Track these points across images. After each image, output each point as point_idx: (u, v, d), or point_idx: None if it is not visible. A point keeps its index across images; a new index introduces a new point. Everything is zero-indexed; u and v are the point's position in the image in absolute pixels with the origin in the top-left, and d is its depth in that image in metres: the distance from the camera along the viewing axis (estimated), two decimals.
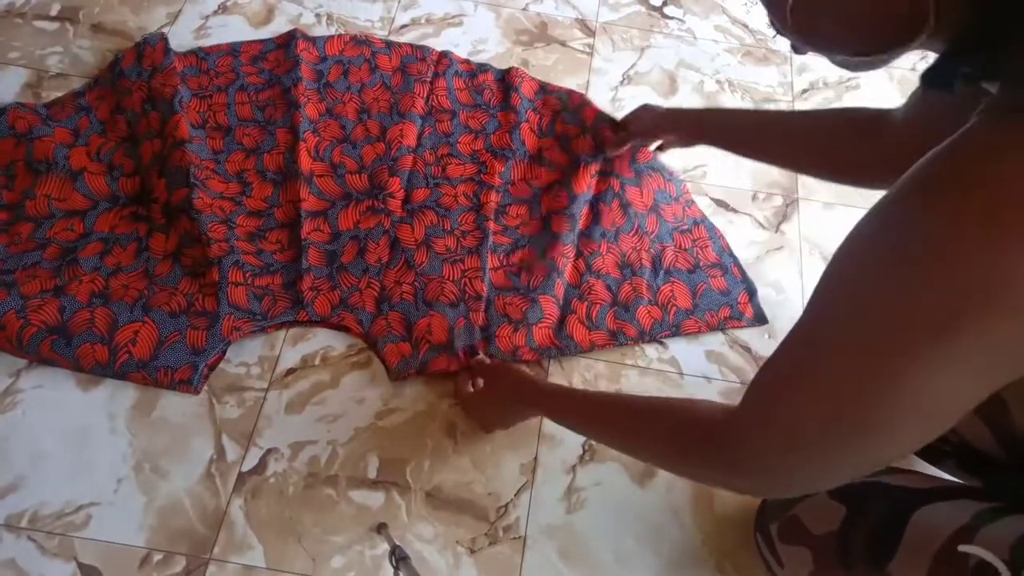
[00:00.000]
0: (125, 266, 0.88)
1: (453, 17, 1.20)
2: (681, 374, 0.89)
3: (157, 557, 0.74)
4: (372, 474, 0.80)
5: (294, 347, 0.87)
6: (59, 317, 0.83)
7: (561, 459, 0.83)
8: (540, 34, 1.19)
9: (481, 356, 0.85)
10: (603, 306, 0.91)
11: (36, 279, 0.85)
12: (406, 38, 1.16)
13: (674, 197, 1.01)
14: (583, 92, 1.11)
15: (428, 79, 1.09)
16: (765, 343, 0.92)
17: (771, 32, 1.21)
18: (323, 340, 0.88)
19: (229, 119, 1.02)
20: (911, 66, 1.21)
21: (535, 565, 0.77)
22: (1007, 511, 0.51)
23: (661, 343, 0.91)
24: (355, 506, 0.78)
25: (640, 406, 0.63)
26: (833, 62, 0.46)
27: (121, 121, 1.00)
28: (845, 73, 1.20)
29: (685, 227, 0.99)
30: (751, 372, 0.89)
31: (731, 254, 0.98)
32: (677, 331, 0.91)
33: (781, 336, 0.56)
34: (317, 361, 0.87)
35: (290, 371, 0.86)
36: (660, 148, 0.99)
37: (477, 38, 1.17)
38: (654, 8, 1.25)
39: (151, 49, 1.05)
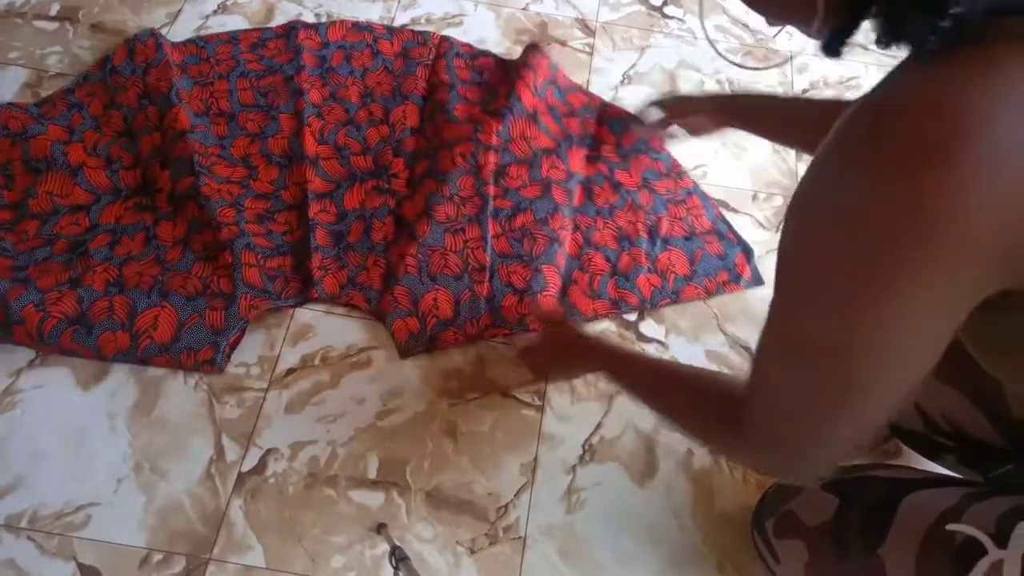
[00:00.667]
0: (136, 255, 0.89)
1: (453, 17, 1.20)
2: None
3: (157, 557, 0.74)
4: (372, 474, 0.80)
5: (294, 347, 0.87)
6: (78, 307, 0.83)
7: (561, 459, 0.83)
8: (540, 34, 1.19)
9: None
10: (604, 276, 0.93)
11: (50, 273, 0.86)
12: None
13: (664, 173, 1.03)
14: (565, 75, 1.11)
15: (429, 62, 1.10)
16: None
17: (771, 32, 1.21)
18: (323, 340, 0.88)
19: (232, 105, 1.03)
20: None
21: (535, 565, 0.77)
22: (994, 493, 0.52)
23: (661, 343, 0.91)
24: (355, 506, 0.78)
25: (678, 382, 0.63)
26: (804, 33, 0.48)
27: (116, 116, 1.01)
28: (846, 73, 1.20)
29: (679, 198, 1.01)
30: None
31: (724, 220, 1.00)
32: (677, 298, 0.93)
33: None
34: (317, 361, 0.87)
35: (290, 371, 0.86)
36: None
37: (477, 38, 1.17)
38: (654, 8, 1.25)
39: (142, 45, 1.06)
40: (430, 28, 1.17)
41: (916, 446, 0.75)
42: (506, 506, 0.79)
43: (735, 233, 0.99)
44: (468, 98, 1.06)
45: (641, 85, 1.15)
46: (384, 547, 0.76)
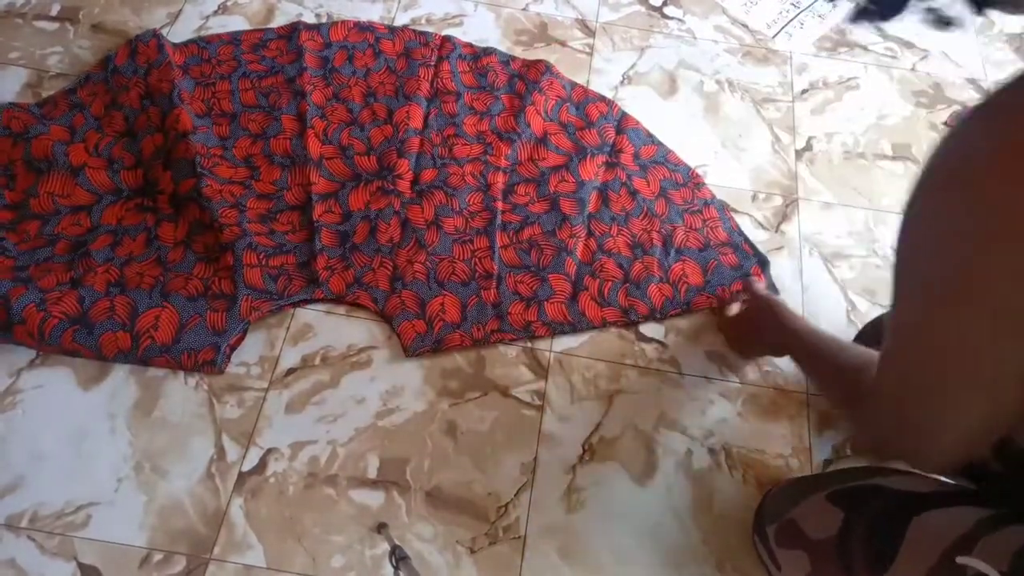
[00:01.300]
0: (137, 255, 0.90)
1: (453, 17, 1.20)
2: (681, 374, 0.89)
3: (157, 557, 0.74)
4: (372, 474, 0.80)
5: (294, 347, 0.87)
6: (79, 307, 0.84)
7: (561, 459, 0.83)
8: (540, 34, 1.19)
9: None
10: (615, 283, 0.93)
11: (51, 273, 0.86)
12: None
13: (681, 183, 1.03)
14: (584, 86, 1.11)
15: (432, 63, 1.10)
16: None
17: (770, 32, 1.21)
18: (323, 340, 0.88)
19: (233, 106, 1.03)
20: (911, 66, 1.21)
21: (535, 565, 0.77)
22: (1007, 519, 0.51)
23: (661, 343, 0.91)
24: (355, 506, 0.78)
25: (844, 367, 0.63)
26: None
27: (118, 116, 1.01)
28: (845, 73, 1.20)
29: (695, 208, 1.01)
30: (751, 372, 0.89)
31: (741, 233, 0.99)
32: (688, 308, 0.93)
33: None
34: (317, 361, 0.87)
35: (290, 371, 0.86)
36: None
37: (477, 38, 1.17)
38: (654, 8, 1.25)
39: (144, 46, 1.06)
40: (430, 28, 1.17)
41: None
42: (506, 506, 0.79)
43: (751, 245, 0.98)
44: (475, 108, 1.06)
45: (641, 85, 1.15)
46: (384, 547, 0.76)
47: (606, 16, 1.23)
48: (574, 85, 1.12)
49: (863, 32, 1.26)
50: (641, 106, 1.12)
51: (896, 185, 1.07)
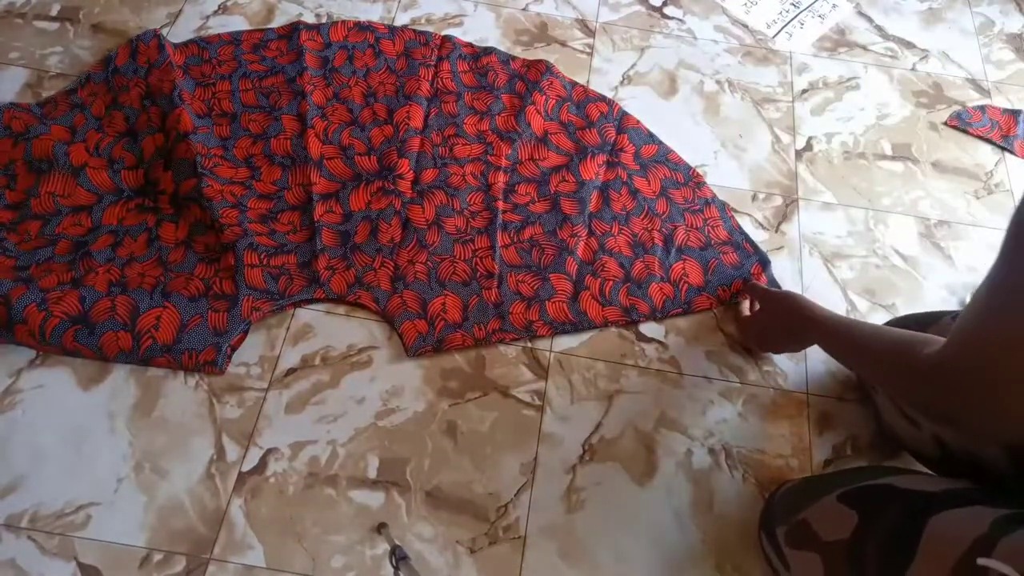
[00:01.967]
0: (138, 256, 0.90)
1: (453, 17, 1.20)
2: (681, 374, 0.89)
3: (157, 557, 0.74)
4: (372, 474, 0.80)
5: (294, 347, 0.87)
6: (80, 307, 0.83)
7: (561, 459, 0.83)
8: (540, 34, 1.19)
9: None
10: (616, 282, 0.93)
11: (52, 273, 0.86)
12: None
13: (682, 183, 1.03)
14: (584, 86, 1.11)
15: (432, 63, 1.11)
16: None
17: (770, 32, 1.21)
18: (323, 340, 0.88)
19: (234, 106, 1.03)
20: (911, 66, 1.21)
21: (535, 565, 0.77)
22: (1021, 519, 0.51)
23: (661, 343, 0.91)
24: (355, 506, 0.78)
25: (878, 348, 0.65)
26: None
27: (118, 117, 1.01)
28: (845, 73, 1.20)
29: (696, 207, 1.01)
30: (751, 372, 0.89)
31: (742, 232, 0.99)
32: (688, 308, 0.93)
33: None
34: (317, 361, 0.87)
35: (290, 371, 0.86)
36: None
37: (477, 38, 1.17)
38: (654, 8, 1.25)
39: (145, 46, 1.06)
40: (430, 28, 1.17)
41: (931, 467, 0.74)
42: (506, 506, 0.79)
43: (752, 244, 0.98)
44: (476, 108, 1.06)
45: (641, 85, 1.15)
46: (384, 547, 0.76)
47: (606, 16, 1.23)
48: (574, 85, 1.12)
49: (863, 32, 1.26)
50: (641, 106, 1.12)
51: (896, 185, 1.07)
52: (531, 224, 0.97)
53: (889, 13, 1.29)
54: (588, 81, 1.14)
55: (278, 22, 1.16)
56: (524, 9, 1.22)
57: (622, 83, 1.15)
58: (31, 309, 0.82)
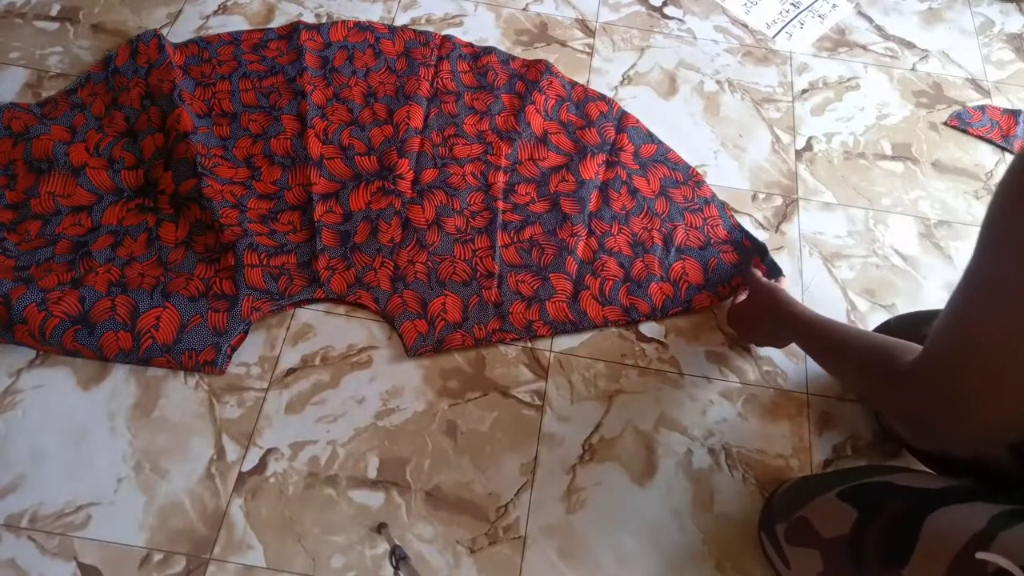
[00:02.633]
0: (138, 256, 0.90)
1: (453, 17, 1.20)
2: (681, 374, 0.89)
3: (157, 557, 0.74)
4: (372, 474, 0.80)
5: (294, 347, 0.87)
6: (80, 307, 0.83)
7: (561, 459, 0.83)
8: (540, 34, 1.19)
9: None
10: (616, 282, 0.93)
11: (52, 273, 0.86)
12: None
13: (682, 182, 1.03)
14: (584, 85, 1.11)
15: (432, 62, 1.11)
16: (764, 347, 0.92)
17: (770, 32, 1.21)
18: (323, 340, 0.88)
19: (234, 106, 1.03)
20: (911, 66, 1.21)
21: (535, 565, 0.77)
22: (1021, 515, 0.51)
23: (661, 343, 0.91)
24: (355, 506, 0.78)
25: (853, 350, 0.65)
26: None
27: (118, 117, 1.01)
28: (845, 73, 1.20)
29: (696, 207, 1.01)
30: (751, 372, 0.89)
31: (742, 230, 1.00)
32: (688, 306, 0.93)
33: None
34: (317, 361, 0.87)
35: (290, 371, 0.86)
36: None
37: (477, 38, 1.17)
38: (654, 8, 1.25)
39: (145, 46, 1.06)
40: (430, 28, 1.17)
41: (932, 466, 0.74)
42: (506, 506, 0.79)
43: (751, 237, 0.98)
44: (476, 108, 1.06)
45: (641, 85, 1.15)
46: (384, 547, 0.76)
47: (606, 16, 1.23)
48: (574, 85, 1.12)
49: (863, 32, 1.26)
50: (641, 106, 1.12)
51: (896, 185, 1.07)
52: (531, 224, 0.97)
53: (889, 13, 1.29)
54: (588, 81, 1.14)
55: (278, 22, 1.16)
56: (524, 9, 1.22)
57: (622, 83, 1.15)
58: (31, 309, 0.82)
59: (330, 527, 0.77)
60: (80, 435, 0.80)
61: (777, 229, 1.02)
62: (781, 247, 1.00)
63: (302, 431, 0.82)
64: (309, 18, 1.16)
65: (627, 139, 1.06)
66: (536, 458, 0.82)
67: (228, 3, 1.17)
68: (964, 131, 1.14)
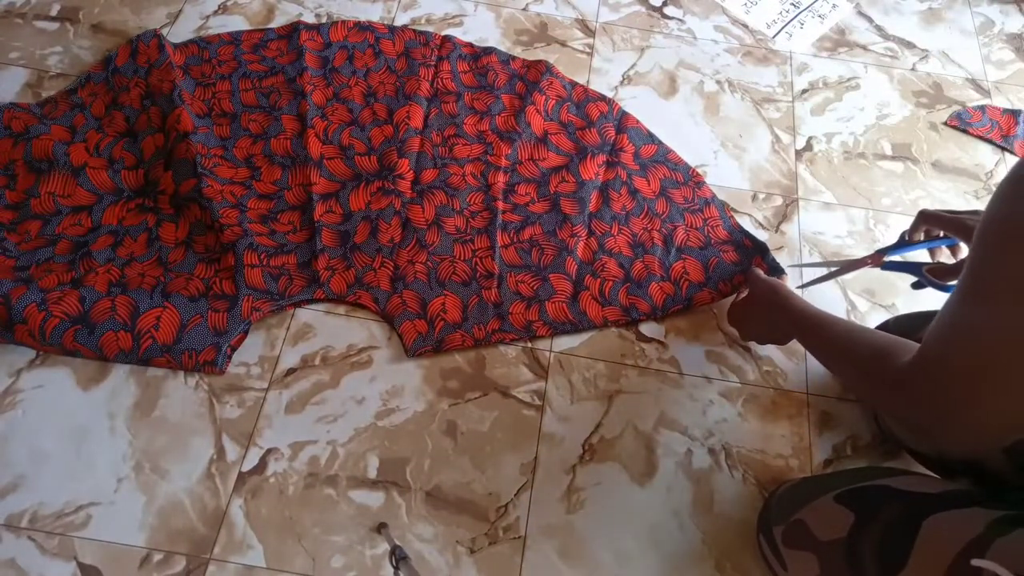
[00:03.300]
0: (138, 256, 0.90)
1: (453, 17, 1.20)
2: (681, 374, 0.89)
3: (157, 557, 0.74)
4: (372, 474, 0.80)
5: (294, 347, 0.87)
6: (80, 307, 0.83)
7: (561, 459, 0.83)
8: (540, 34, 1.19)
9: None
10: (616, 283, 0.93)
11: (52, 273, 0.86)
12: None
13: (682, 182, 1.03)
14: (584, 86, 1.11)
15: (432, 63, 1.11)
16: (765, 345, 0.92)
17: (770, 32, 1.21)
18: (323, 340, 0.88)
19: (234, 106, 1.03)
20: (911, 66, 1.21)
21: (535, 565, 0.77)
22: (1018, 521, 0.51)
23: (661, 343, 0.91)
24: (355, 506, 0.78)
25: (851, 347, 0.65)
26: None
27: (118, 117, 1.01)
28: (845, 73, 1.20)
29: (696, 207, 1.01)
30: (751, 372, 0.89)
31: (742, 230, 0.99)
32: (689, 304, 0.92)
33: None
34: (317, 361, 0.87)
35: (290, 371, 0.86)
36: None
37: (477, 38, 1.17)
38: (654, 8, 1.25)
39: (145, 46, 1.06)
40: (430, 28, 1.17)
41: (930, 467, 0.74)
42: (506, 506, 0.79)
43: (751, 237, 0.98)
44: (476, 108, 1.06)
45: (641, 85, 1.15)
46: (384, 547, 0.76)
47: (606, 16, 1.23)
48: (574, 85, 1.12)
49: (863, 32, 1.26)
50: (641, 106, 1.12)
51: (896, 185, 1.07)
52: (531, 224, 0.97)
53: (889, 13, 1.29)
54: (588, 81, 1.14)
55: (278, 22, 1.16)
56: (524, 9, 1.22)
57: (622, 83, 1.15)
58: (31, 309, 0.82)
59: (330, 527, 0.77)
60: (80, 435, 0.80)
61: (777, 229, 1.02)
62: (781, 247, 1.00)
63: (302, 431, 0.82)
64: (309, 18, 1.16)
65: (627, 140, 1.06)
66: (536, 458, 0.82)
67: (228, 3, 1.17)
68: (964, 131, 1.14)
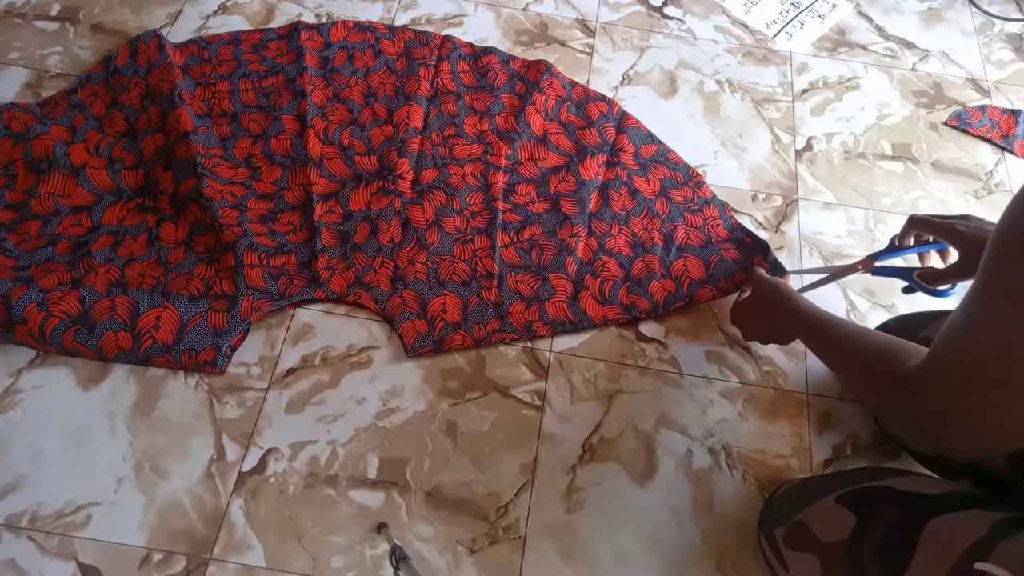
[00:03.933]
0: (138, 256, 0.90)
1: (453, 17, 1.20)
2: (681, 374, 0.89)
3: (157, 557, 0.74)
4: (372, 474, 0.80)
5: (294, 347, 0.87)
6: (80, 307, 0.83)
7: (561, 459, 0.83)
8: (540, 34, 1.19)
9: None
10: (616, 282, 0.93)
11: (52, 273, 0.86)
12: None
13: (682, 182, 1.03)
14: (584, 85, 1.11)
15: (432, 63, 1.11)
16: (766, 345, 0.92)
17: (770, 32, 1.21)
18: (323, 340, 0.88)
19: (234, 106, 1.03)
20: (911, 66, 1.21)
21: (535, 565, 0.77)
22: (1021, 524, 0.50)
23: (661, 343, 0.91)
24: (355, 506, 0.78)
25: (857, 350, 0.64)
26: None
27: (118, 117, 1.01)
28: (845, 73, 1.20)
29: (696, 207, 1.01)
30: (751, 372, 0.89)
31: (743, 228, 0.99)
32: (691, 301, 0.92)
33: None
34: (317, 361, 0.87)
35: (290, 371, 0.86)
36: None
37: (477, 38, 1.17)
38: (654, 8, 1.25)
39: (145, 46, 1.06)
40: (430, 28, 1.17)
41: (930, 468, 0.74)
42: (506, 506, 0.79)
43: (752, 236, 0.98)
44: (476, 108, 1.06)
45: (641, 85, 1.15)
46: (384, 547, 0.76)
47: (606, 16, 1.23)
48: (574, 85, 1.12)
49: (863, 32, 1.26)
50: (641, 106, 1.12)
51: (896, 185, 1.07)
52: (531, 224, 0.97)
53: (889, 13, 1.29)
54: (588, 81, 1.14)
55: (278, 22, 1.16)
56: (524, 9, 1.22)
57: (622, 83, 1.15)
58: (31, 309, 0.82)
59: (330, 527, 0.77)
60: (80, 435, 0.80)
61: (777, 229, 1.02)
62: (781, 247, 1.00)
63: (302, 431, 0.82)
64: (309, 18, 1.16)
65: (627, 139, 1.06)
66: (536, 458, 0.82)
67: (228, 3, 1.17)
68: (964, 131, 1.14)
